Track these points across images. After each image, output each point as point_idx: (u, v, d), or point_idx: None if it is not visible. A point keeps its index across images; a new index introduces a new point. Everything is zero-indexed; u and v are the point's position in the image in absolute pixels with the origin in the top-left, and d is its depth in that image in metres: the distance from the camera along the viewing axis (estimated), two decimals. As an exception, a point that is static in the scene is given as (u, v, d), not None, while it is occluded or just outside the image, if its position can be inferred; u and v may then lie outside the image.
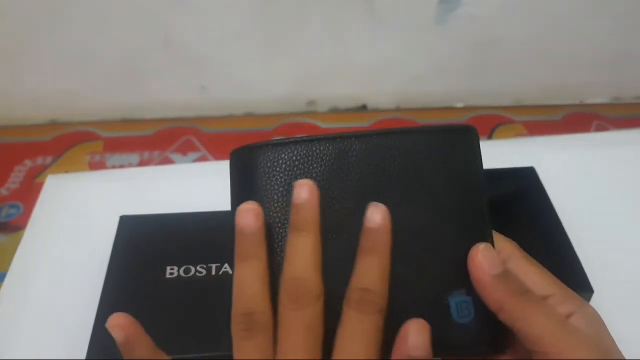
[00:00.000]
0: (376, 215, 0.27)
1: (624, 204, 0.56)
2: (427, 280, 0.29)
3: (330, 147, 0.30)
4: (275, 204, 0.29)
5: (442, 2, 0.67)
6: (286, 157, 0.30)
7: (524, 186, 0.54)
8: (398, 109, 0.78)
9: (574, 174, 0.59)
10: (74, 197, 0.57)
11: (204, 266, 0.46)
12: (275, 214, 0.29)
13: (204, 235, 0.49)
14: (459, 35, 0.70)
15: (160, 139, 0.70)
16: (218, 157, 0.68)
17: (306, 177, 0.29)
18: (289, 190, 0.29)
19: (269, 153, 0.30)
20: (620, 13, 0.70)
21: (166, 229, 0.50)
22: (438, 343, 0.27)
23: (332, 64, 0.72)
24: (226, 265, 0.46)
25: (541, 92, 0.77)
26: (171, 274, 0.46)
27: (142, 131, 0.71)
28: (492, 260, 0.28)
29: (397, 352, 0.26)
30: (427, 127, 0.31)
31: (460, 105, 0.78)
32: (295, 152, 0.30)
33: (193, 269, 0.46)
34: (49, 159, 0.66)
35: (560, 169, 0.58)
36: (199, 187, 0.58)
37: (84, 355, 0.41)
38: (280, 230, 0.29)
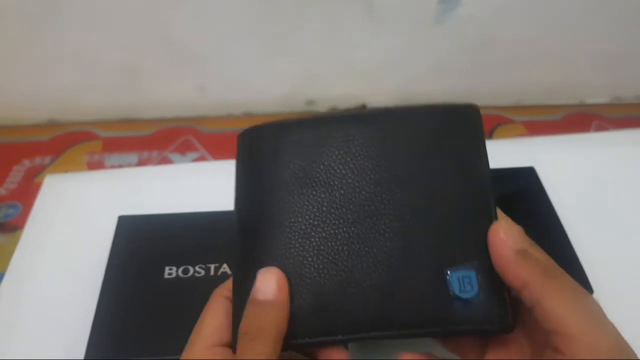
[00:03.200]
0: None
1: (624, 204, 0.56)
2: (426, 254, 0.29)
3: (337, 128, 0.30)
4: (284, 187, 0.30)
5: (441, 2, 0.66)
6: (296, 138, 0.30)
7: (523, 186, 0.53)
8: (398, 109, 0.78)
9: (573, 174, 0.59)
10: (72, 197, 0.57)
11: (203, 266, 0.46)
12: (282, 197, 0.29)
13: (203, 235, 0.48)
14: (459, 35, 0.70)
15: (159, 139, 0.70)
16: (217, 157, 0.68)
17: (317, 159, 0.30)
18: (302, 172, 0.30)
19: (275, 134, 0.30)
20: (619, 13, 0.70)
21: (165, 229, 0.50)
22: (438, 317, 0.28)
23: (331, 63, 0.72)
24: (225, 265, 0.46)
25: (541, 92, 0.77)
26: (170, 274, 0.46)
27: (141, 131, 0.71)
28: (515, 236, 0.27)
29: None
30: (430, 105, 0.32)
31: (460, 105, 0.78)
32: (304, 134, 0.30)
33: (192, 269, 0.46)
34: (47, 159, 0.66)
35: (560, 169, 0.58)
36: (198, 187, 0.57)
37: (82, 355, 0.41)
38: (286, 217, 0.29)
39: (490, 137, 0.71)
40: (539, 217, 0.51)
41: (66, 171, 0.64)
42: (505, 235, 0.27)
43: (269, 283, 0.28)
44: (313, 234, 0.29)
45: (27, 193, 0.61)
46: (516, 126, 0.73)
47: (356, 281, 0.28)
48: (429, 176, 0.30)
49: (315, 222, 0.29)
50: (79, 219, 0.55)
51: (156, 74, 0.71)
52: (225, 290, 0.31)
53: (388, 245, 0.29)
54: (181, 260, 0.47)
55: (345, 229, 0.29)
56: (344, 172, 0.30)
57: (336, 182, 0.30)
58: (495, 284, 0.28)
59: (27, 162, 0.65)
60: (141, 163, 0.66)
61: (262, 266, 0.29)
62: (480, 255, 0.28)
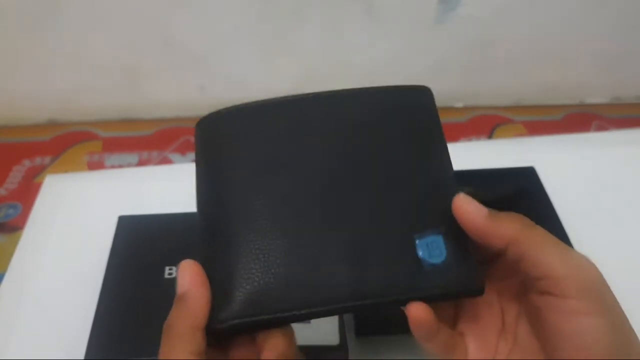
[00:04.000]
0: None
1: (623, 203, 0.56)
2: (392, 225, 0.29)
3: (293, 111, 0.31)
4: (243, 178, 0.30)
5: (441, 2, 0.66)
6: (252, 125, 0.31)
7: (523, 186, 0.53)
8: (398, 109, 0.78)
9: (573, 173, 0.59)
10: (72, 198, 0.57)
11: (203, 266, 0.46)
12: (243, 189, 0.29)
13: (203, 235, 0.48)
14: (459, 35, 0.70)
15: (159, 139, 0.70)
16: (217, 157, 0.68)
17: (276, 143, 0.30)
18: (261, 159, 0.30)
19: (230, 123, 0.31)
20: (619, 13, 0.70)
21: (165, 229, 0.50)
22: (410, 284, 0.27)
23: (331, 63, 0.72)
24: (225, 265, 0.46)
25: (541, 92, 0.77)
26: (170, 274, 0.46)
27: (141, 131, 0.71)
28: (477, 204, 0.28)
29: None
30: (385, 87, 0.33)
31: (460, 105, 0.78)
32: (261, 119, 0.31)
33: (192, 269, 0.46)
34: (47, 159, 0.66)
35: (560, 168, 0.57)
36: (198, 187, 0.57)
37: (82, 355, 0.41)
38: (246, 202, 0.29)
39: (490, 137, 0.71)
40: (539, 217, 0.51)
41: (66, 171, 0.64)
42: (470, 206, 0.28)
43: (181, 277, 0.28)
44: (280, 216, 0.29)
45: (27, 193, 0.61)
46: (516, 126, 0.73)
47: (326, 256, 0.28)
48: (389, 152, 0.30)
49: (281, 206, 0.29)
50: (79, 219, 0.55)
51: (156, 74, 0.71)
52: None
53: (354, 220, 0.29)
54: (181, 260, 0.47)
55: (311, 209, 0.29)
56: (305, 153, 0.30)
57: (298, 164, 0.30)
58: (463, 248, 0.28)
59: (27, 162, 0.65)
60: (141, 163, 0.66)
61: (228, 260, 0.29)
62: (444, 221, 0.29)
